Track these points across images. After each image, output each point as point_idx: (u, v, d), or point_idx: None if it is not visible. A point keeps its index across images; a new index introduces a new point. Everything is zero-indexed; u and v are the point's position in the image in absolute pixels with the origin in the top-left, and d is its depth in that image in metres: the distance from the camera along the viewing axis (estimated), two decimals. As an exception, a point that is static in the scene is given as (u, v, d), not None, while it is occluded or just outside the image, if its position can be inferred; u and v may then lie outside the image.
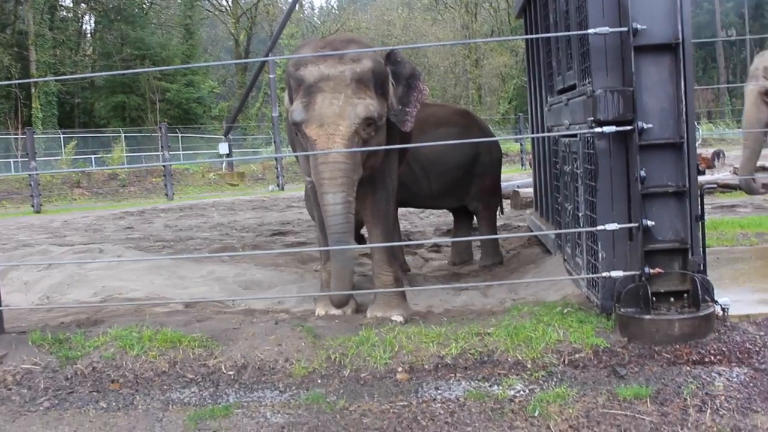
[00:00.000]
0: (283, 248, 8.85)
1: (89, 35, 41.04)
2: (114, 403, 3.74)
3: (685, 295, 4.01)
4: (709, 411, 3.18)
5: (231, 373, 4.00)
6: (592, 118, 4.09)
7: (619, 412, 3.25)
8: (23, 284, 6.74)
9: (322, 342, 4.20)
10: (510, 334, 4.06)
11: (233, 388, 3.85)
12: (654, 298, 3.97)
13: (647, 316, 3.92)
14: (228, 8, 45.21)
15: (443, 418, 3.33)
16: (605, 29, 3.95)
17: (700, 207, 4.11)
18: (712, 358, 3.72)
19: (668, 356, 3.76)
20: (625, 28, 3.93)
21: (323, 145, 4.29)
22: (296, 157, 5.96)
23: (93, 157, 28.90)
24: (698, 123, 38.02)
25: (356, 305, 5.21)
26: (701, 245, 4.14)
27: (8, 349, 4.29)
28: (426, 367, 3.90)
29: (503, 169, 8.17)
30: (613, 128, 3.96)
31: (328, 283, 5.29)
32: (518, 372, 3.76)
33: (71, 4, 38.95)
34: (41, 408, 3.74)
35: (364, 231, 7.01)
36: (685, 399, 3.30)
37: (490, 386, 3.63)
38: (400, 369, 3.90)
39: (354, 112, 4.32)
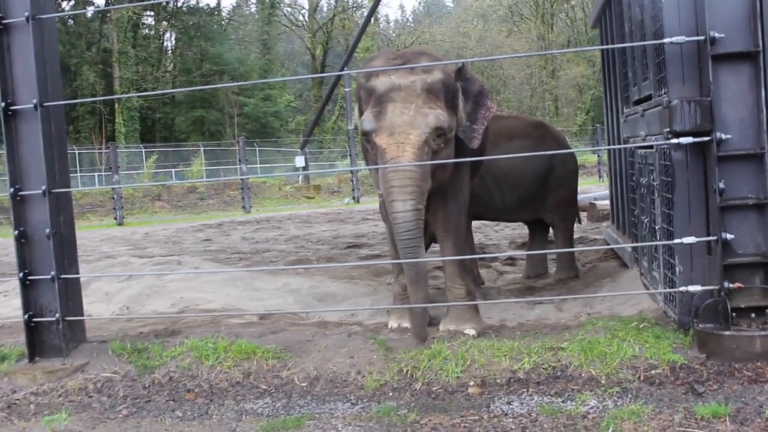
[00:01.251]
0: (357, 261, 8.89)
1: (170, 52, 42.09)
2: (189, 413, 3.81)
3: (767, 311, 3.88)
4: (792, 431, 3.07)
5: (304, 384, 4.04)
6: (668, 129, 4.00)
7: (697, 430, 3.16)
8: (104, 295, 6.94)
9: (394, 355, 4.21)
10: (584, 349, 3.99)
11: (305, 399, 3.89)
12: (734, 314, 3.85)
13: (727, 332, 3.81)
14: (304, 23, 45.84)
15: (515, 433, 3.30)
16: (681, 38, 3.87)
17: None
18: (796, 376, 3.60)
19: (749, 374, 3.64)
20: (702, 37, 3.84)
21: (393, 153, 4.29)
22: (369, 170, 6.00)
23: (173, 170, 29.61)
24: None
25: (429, 318, 5.19)
26: (784, 259, 4.00)
27: (90, 357, 4.42)
28: (498, 381, 3.87)
29: (580, 181, 8.06)
30: (690, 139, 3.87)
31: (400, 295, 5.30)
32: (592, 388, 3.69)
33: (153, 23, 40.04)
34: (120, 415, 3.83)
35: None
36: (767, 419, 3.19)
37: (562, 402, 3.58)
38: (471, 383, 3.87)
39: (425, 121, 4.32)
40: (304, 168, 26.49)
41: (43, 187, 4.35)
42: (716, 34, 3.78)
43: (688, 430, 3.17)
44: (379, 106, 4.39)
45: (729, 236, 3.85)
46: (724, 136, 3.82)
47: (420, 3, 62.60)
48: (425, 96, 4.37)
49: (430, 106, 4.37)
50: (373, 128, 4.37)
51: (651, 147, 4.71)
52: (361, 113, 4.65)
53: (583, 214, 11.48)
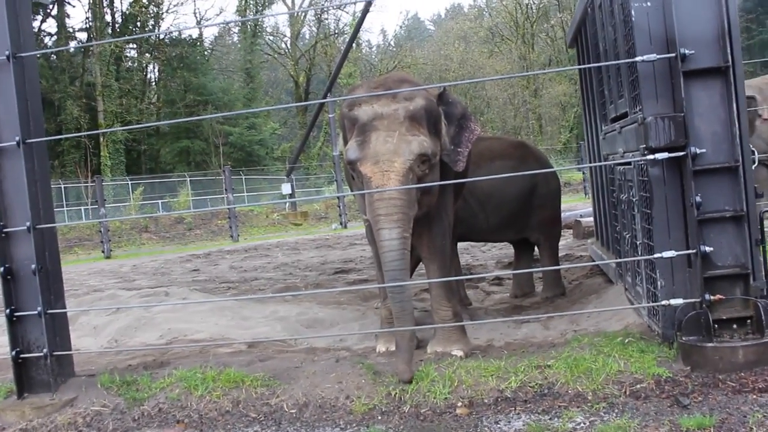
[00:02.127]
0: (345, 286, 8.91)
1: (153, 83, 42.14)
2: (179, 444, 3.81)
3: (749, 321, 3.93)
4: (776, 440, 3.11)
5: (293, 411, 4.05)
6: (644, 146, 4.07)
7: (683, 442, 3.19)
8: (92, 328, 6.93)
9: (383, 378, 4.23)
10: (570, 366, 4.02)
11: (295, 426, 3.89)
12: (716, 326, 3.90)
13: (710, 344, 3.85)
14: (287, 51, 46.04)
15: (503, 452, 3.32)
16: (653, 56, 3.94)
17: (760, 231, 4.04)
18: (779, 385, 3.64)
19: (733, 384, 3.68)
20: (673, 54, 3.92)
21: (378, 182, 4.31)
22: (355, 195, 6.03)
23: (160, 201, 29.56)
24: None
25: (416, 341, 5.21)
26: (763, 270, 4.06)
27: (78, 391, 4.42)
28: (486, 401, 3.89)
29: (565, 198, 8.12)
30: (665, 155, 3.93)
31: (387, 319, 5.32)
32: (579, 404, 3.72)
33: (136, 55, 40.10)
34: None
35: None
36: (751, 428, 3.22)
37: (550, 419, 3.60)
38: (459, 404, 3.89)
39: (408, 148, 4.35)
40: (291, 195, 26.52)
41: (28, 224, 4.36)
42: (686, 51, 3.86)
43: (673, 442, 3.20)
44: (362, 135, 4.41)
45: (708, 249, 3.91)
46: (698, 151, 3.89)
47: (401, 27, 63.04)
48: (408, 123, 4.40)
49: (413, 134, 4.40)
50: (357, 157, 4.40)
51: (629, 163, 4.77)
52: (345, 142, 4.67)
53: (568, 232, 11.57)
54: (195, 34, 41.98)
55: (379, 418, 3.87)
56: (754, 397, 3.53)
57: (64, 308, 4.71)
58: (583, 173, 27.26)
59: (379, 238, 4.33)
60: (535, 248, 7.63)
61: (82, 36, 37.74)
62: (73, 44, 36.25)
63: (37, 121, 4.59)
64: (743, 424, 3.27)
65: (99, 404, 4.28)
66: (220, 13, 46.56)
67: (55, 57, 35.13)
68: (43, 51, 23.16)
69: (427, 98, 4.59)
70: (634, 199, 4.77)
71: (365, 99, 4.50)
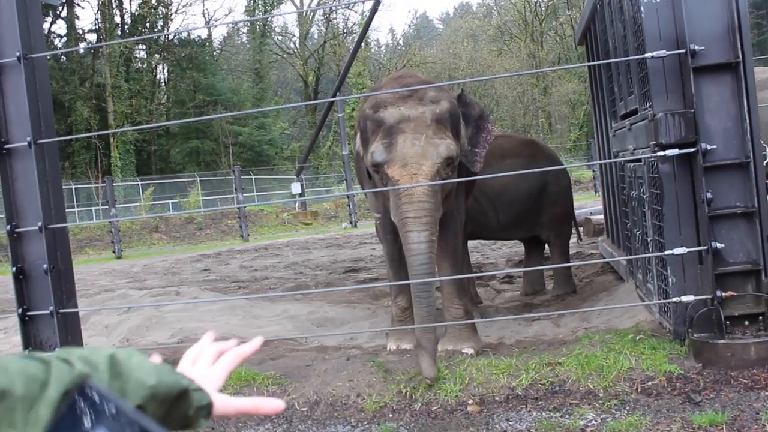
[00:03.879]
0: (355, 285, 8.92)
1: (163, 84, 42.24)
2: (191, 442, 3.82)
3: (761, 317, 3.92)
4: (788, 436, 3.10)
5: (304, 409, 4.06)
6: (654, 142, 4.06)
7: (695, 439, 3.18)
8: (104, 328, 6.95)
9: (393, 376, 4.23)
10: (581, 364, 4.02)
11: (306, 424, 3.91)
12: (728, 322, 3.89)
13: (721, 341, 3.84)
14: (296, 50, 46.08)
15: (514, 449, 3.32)
16: (662, 52, 3.93)
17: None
18: (792, 382, 3.62)
19: (745, 381, 3.67)
20: (683, 50, 3.91)
21: (407, 185, 4.32)
22: (365, 194, 6.01)
23: (170, 202, 29.63)
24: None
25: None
26: (775, 266, 4.04)
27: (90, 392, 4.43)
28: (497, 398, 3.89)
29: (575, 196, 8.10)
30: (676, 151, 3.92)
31: (398, 317, 5.32)
32: (590, 401, 3.72)
33: (145, 56, 40.20)
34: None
35: None
36: (764, 425, 3.21)
37: (561, 416, 3.60)
38: (470, 401, 3.90)
39: (436, 151, 4.33)
40: (301, 194, 26.55)
41: (39, 224, 4.39)
42: (696, 47, 3.85)
43: (685, 439, 3.20)
44: (389, 138, 4.38)
45: (719, 245, 3.90)
46: (709, 147, 3.88)
47: (410, 26, 62.88)
48: (435, 126, 4.38)
49: (440, 137, 4.38)
50: (384, 160, 4.37)
51: (639, 160, 4.76)
52: (365, 143, 4.65)
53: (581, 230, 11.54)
54: (204, 34, 42.10)
55: (390, 415, 3.88)
56: (766, 393, 3.51)
57: (76, 308, 4.73)
58: (593, 171, 27.18)
59: (407, 241, 4.31)
60: (546, 246, 7.62)
61: (92, 37, 37.86)
62: (83, 45, 36.41)
63: (48, 121, 4.61)
64: (755, 421, 3.26)
65: (111, 403, 4.29)
66: (229, 13, 46.42)
67: (65, 58, 35.27)
68: (54, 52, 23.25)
69: (451, 101, 4.58)
70: (644, 196, 4.76)
71: (391, 101, 4.46)
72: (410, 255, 4.30)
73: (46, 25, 34.38)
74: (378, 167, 4.44)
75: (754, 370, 3.74)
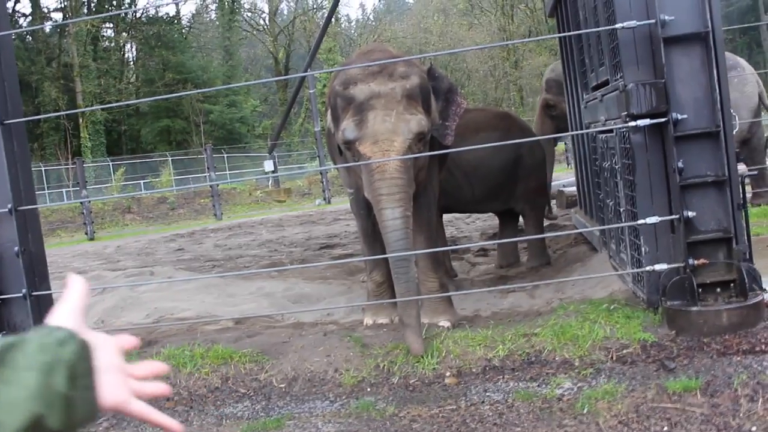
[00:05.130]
0: (330, 261, 8.92)
1: (132, 63, 41.82)
2: (170, 421, 3.82)
3: (732, 284, 3.97)
4: (761, 400, 3.14)
5: (282, 385, 4.07)
6: (626, 113, 4.08)
7: (669, 405, 3.23)
8: (79, 310, 6.90)
9: (371, 351, 4.25)
10: (557, 334, 4.05)
11: (285, 400, 3.92)
12: (700, 290, 3.93)
13: (694, 308, 3.89)
14: (265, 27, 45.74)
15: (492, 419, 3.35)
16: (633, 23, 3.94)
17: (741, 195, 4.07)
18: (763, 347, 3.67)
19: (717, 347, 3.72)
20: (653, 20, 3.92)
21: (379, 159, 4.31)
22: (338, 170, 5.98)
23: (142, 182, 29.43)
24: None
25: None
26: (745, 234, 4.09)
27: (66, 373, 4.41)
28: (474, 370, 3.92)
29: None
30: (647, 121, 3.94)
31: (374, 292, 5.33)
32: (566, 371, 3.76)
33: (113, 34, 39.74)
34: (100, 428, 3.84)
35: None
36: (736, 389, 3.26)
37: (538, 386, 3.64)
38: (448, 374, 3.92)
39: (407, 127, 4.32)
40: (274, 172, 26.43)
41: (9, 206, 4.34)
42: (666, 17, 3.86)
43: (660, 405, 3.24)
44: (359, 115, 4.36)
45: (691, 214, 3.94)
46: (680, 117, 3.90)
47: (380, 1, 62.66)
48: (405, 102, 4.36)
49: (411, 112, 4.37)
50: (356, 137, 4.35)
51: (611, 131, 4.78)
52: (335, 121, 4.63)
53: (552, 202, 11.59)
54: (172, 11, 41.61)
55: (368, 389, 3.90)
56: (739, 358, 3.57)
57: (50, 290, 4.70)
58: (565, 143, 27.28)
59: (382, 218, 4.30)
60: (520, 219, 7.65)
61: (58, 16, 37.39)
62: (48, 23, 35.89)
63: (14, 101, 4.55)
64: (728, 385, 3.31)
65: (88, 384, 4.28)
66: (197, -11, 45.98)
67: (30, 38, 34.78)
68: (18, 30, 22.89)
69: (421, 75, 4.56)
70: (616, 167, 4.79)
71: (361, 77, 4.43)
72: (386, 232, 4.31)
73: (10, 4, 33.80)
74: (350, 144, 4.42)
75: (726, 336, 3.79)
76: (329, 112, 4.81)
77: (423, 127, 4.39)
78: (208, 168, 22.97)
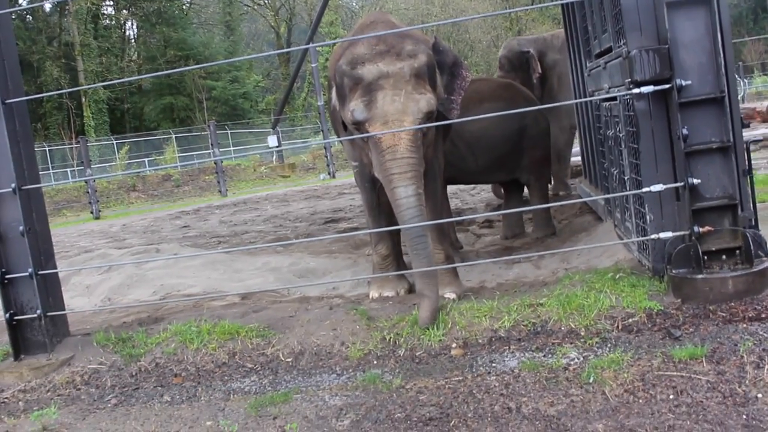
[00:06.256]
0: (335, 235, 8.92)
1: (133, 41, 41.66)
2: (177, 396, 3.85)
3: (738, 251, 3.95)
4: (767, 367, 3.14)
5: (289, 360, 4.08)
6: (629, 80, 4.05)
7: (675, 373, 3.23)
8: (85, 288, 6.93)
9: (377, 324, 4.25)
10: (562, 304, 4.05)
11: (291, 374, 3.93)
12: (705, 257, 3.92)
13: (700, 276, 3.87)
14: (266, 2, 45.45)
15: (498, 390, 3.36)
16: (636, -13, 3.90)
17: (747, 161, 4.04)
18: (769, 313, 3.67)
19: (723, 315, 3.71)
20: (656, -15, 3.87)
21: (389, 142, 4.26)
22: (342, 144, 5.94)
23: (146, 159, 29.45)
24: (751, 75, 37.07)
25: (409, 286, 5.23)
26: (751, 200, 4.07)
27: (75, 350, 4.44)
28: (480, 341, 3.93)
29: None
30: (651, 88, 3.90)
31: (379, 265, 5.34)
32: (572, 340, 3.76)
33: (113, 12, 39.56)
34: (109, 405, 3.86)
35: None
36: (742, 356, 3.26)
37: (544, 356, 3.64)
38: (454, 345, 3.93)
39: (417, 107, 4.30)
40: (277, 147, 26.39)
41: (13, 185, 4.33)
42: (669, -19, 3.82)
43: (666, 373, 3.24)
44: (368, 95, 4.33)
45: (696, 181, 3.91)
46: (684, 83, 3.86)
47: (381, -28, 62.09)
48: (414, 81, 4.34)
49: (420, 91, 4.35)
50: (365, 117, 4.33)
51: (615, 99, 4.75)
52: (341, 100, 4.60)
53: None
54: (172, -13, 41.35)
55: (375, 362, 3.91)
56: (744, 326, 3.56)
57: (55, 269, 4.70)
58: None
59: (395, 197, 4.29)
60: (525, 189, 7.63)
61: (58, -6, 37.13)
62: (48, 1, 35.73)
63: (15, 80, 4.53)
64: (734, 352, 3.31)
65: (96, 362, 4.31)
66: (197, -35, 45.68)
67: (30, 17, 34.66)
68: (17, 9, 22.79)
69: (428, 53, 4.53)
70: (620, 135, 4.76)
71: (368, 57, 4.39)
72: (400, 210, 4.30)
73: (9, -16, 33.62)
74: (359, 125, 4.40)
75: (732, 304, 3.78)
76: (334, 90, 4.78)
77: (432, 106, 4.37)
78: (212, 144, 22.93)
